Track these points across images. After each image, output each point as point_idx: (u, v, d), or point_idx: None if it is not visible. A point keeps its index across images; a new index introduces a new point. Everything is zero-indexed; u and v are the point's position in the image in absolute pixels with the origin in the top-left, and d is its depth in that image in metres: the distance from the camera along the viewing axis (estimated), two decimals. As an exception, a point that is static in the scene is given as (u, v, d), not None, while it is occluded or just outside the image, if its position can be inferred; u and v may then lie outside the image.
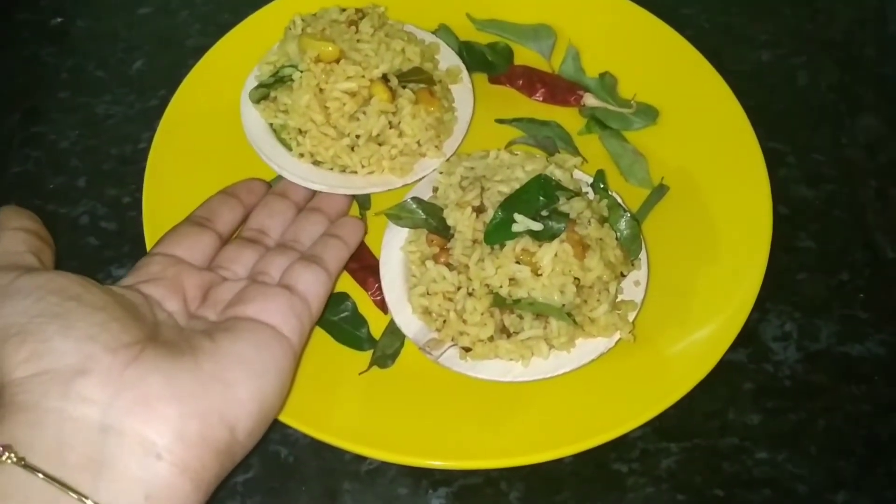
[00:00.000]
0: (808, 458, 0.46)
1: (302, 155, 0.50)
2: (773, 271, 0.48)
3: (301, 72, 0.49)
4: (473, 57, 0.57)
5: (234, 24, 0.58)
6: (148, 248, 0.48)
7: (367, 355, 0.46)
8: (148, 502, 0.32)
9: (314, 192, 0.50)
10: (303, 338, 0.41)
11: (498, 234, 0.43)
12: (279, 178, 0.51)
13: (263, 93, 0.51)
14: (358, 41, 0.49)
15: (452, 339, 0.44)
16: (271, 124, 0.52)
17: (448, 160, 0.50)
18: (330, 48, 0.48)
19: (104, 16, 0.64)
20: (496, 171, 0.46)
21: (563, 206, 0.44)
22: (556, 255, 0.42)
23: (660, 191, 0.52)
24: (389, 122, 0.49)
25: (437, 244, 0.45)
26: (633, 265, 0.46)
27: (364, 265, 0.49)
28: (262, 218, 0.48)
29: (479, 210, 0.44)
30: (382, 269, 0.47)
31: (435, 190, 0.48)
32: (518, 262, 0.43)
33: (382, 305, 0.48)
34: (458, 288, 0.44)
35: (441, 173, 0.48)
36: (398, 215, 0.47)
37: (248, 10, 0.59)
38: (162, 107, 0.55)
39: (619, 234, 0.46)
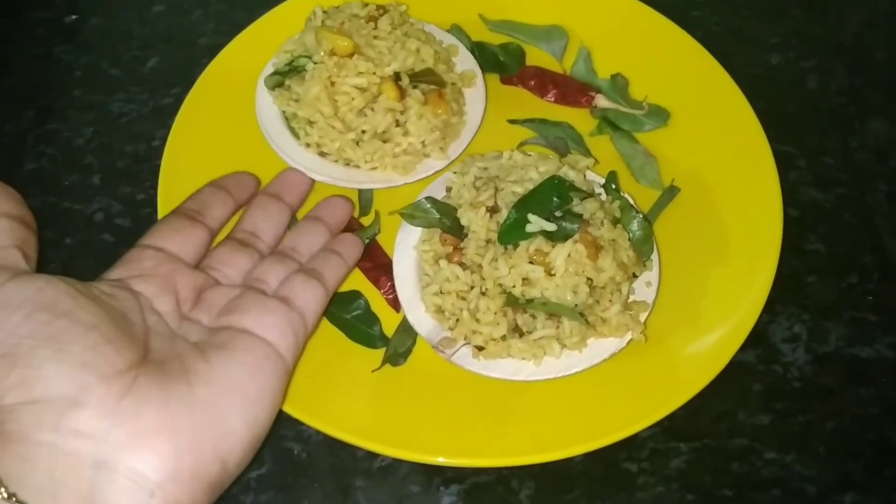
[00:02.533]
0: (817, 459, 0.46)
1: (308, 145, 0.51)
2: (782, 274, 0.49)
3: (314, 63, 0.49)
4: (485, 57, 0.58)
5: (248, 22, 0.58)
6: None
7: (379, 353, 0.47)
8: None
9: (307, 195, 0.50)
10: (297, 356, 0.40)
11: (512, 234, 0.43)
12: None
13: (278, 80, 0.52)
14: (374, 38, 0.50)
15: (465, 338, 0.45)
16: (284, 111, 0.52)
17: (462, 160, 0.50)
18: (344, 42, 0.49)
19: (118, 14, 0.64)
20: (510, 172, 0.47)
21: (577, 206, 0.44)
22: (569, 255, 0.43)
23: (670, 192, 0.52)
24: (396, 121, 0.50)
25: (451, 244, 0.46)
26: (644, 266, 0.47)
27: (377, 264, 0.49)
28: (256, 220, 0.47)
29: (493, 210, 0.45)
30: (396, 268, 0.47)
31: (448, 190, 0.49)
32: (531, 262, 0.43)
33: (395, 304, 0.48)
34: (472, 287, 0.44)
35: (455, 173, 0.48)
36: (412, 214, 0.47)
37: (261, 9, 0.59)
38: (175, 105, 0.55)
39: (631, 234, 0.46)
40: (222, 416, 0.34)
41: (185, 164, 0.53)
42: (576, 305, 0.43)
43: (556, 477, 0.45)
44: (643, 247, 0.46)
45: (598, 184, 0.49)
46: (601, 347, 0.45)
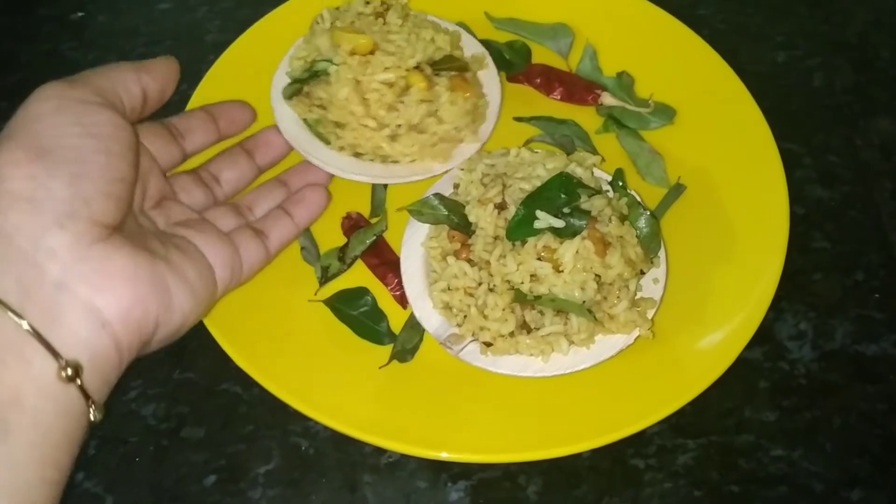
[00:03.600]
0: (824, 455, 0.46)
1: (342, 148, 0.51)
2: (788, 271, 0.49)
3: (337, 65, 0.49)
4: (491, 55, 0.57)
5: (254, 20, 0.58)
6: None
7: (386, 349, 0.47)
8: (90, 364, 0.34)
9: (280, 159, 0.51)
10: (224, 292, 0.43)
11: (520, 230, 0.43)
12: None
13: (296, 88, 0.51)
14: (388, 32, 0.50)
15: (473, 335, 0.45)
16: (305, 119, 0.52)
17: (468, 157, 0.50)
18: (364, 40, 0.49)
19: (124, 11, 0.64)
20: (517, 169, 0.47)
21: (585, 203, 0.44)
22: (577, 252, 0.43)
23: (677, 190, 0.52)
24: (428, 110, 0.50)
25: (459, 240, 0.46)
26: (652, 263, 0.47)
27: (384, 261, 0.50)
28: (222, 168, 0.49)
29: (501, 207, 0.45)
30: (403, 265, 0.47)
31: (456, 186, 0.49)
32: (539, 259, 0.43)
33: (402, 300, 0.48)
34: (479, 284, 0.44)
35: (462, 170, 0.49)
36: (420, 211, 0.47)
37: (267, 7, 0.59)
38: (182, 102, 0.55)
39: (638, 231, 0.46)
40: (171, 295, 0.38)
41: (193, 159, 0.52)
42: (584, 302, 0.43)
43: (563, 473, 0.45)
44: (650, 244, 0.46)
45: (606, 181, 0.49)
46: (609, 344, 0.45)
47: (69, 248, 0.34)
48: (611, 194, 0.47)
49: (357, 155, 0.51)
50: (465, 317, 0.45)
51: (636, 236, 0.46)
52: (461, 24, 0.58)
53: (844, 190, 0.56)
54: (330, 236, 0.51)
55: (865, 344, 0.50)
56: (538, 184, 0.45)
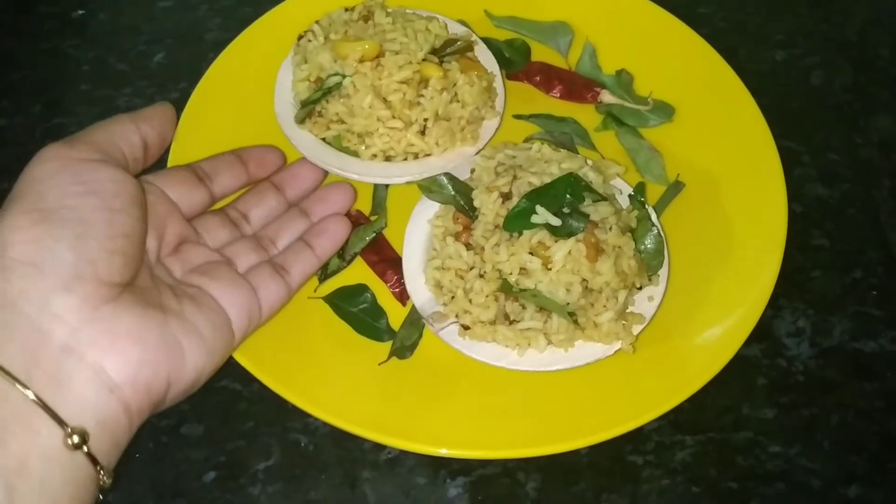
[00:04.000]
0: (822, 452, 0.46)
1: (374, 156, 0.50)
2: (787, 268, 0.49)
3: (350, 76, 0.49)
4: (491, 53, 0.58)
5: (254, 18, 0.58)
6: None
7: (386, 346, 0.47)
8: (98, 428, 0.34)
9: (311, 192, 0.50)
10: (242, 339, 0.42)
11: (517, 221, 0.44)
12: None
13: (309, 110, 0.50)
14: (384, 33, 0.50)
15: (456, 316, 0.45)
16: (324, 139, 0.51)
17: (492, 146, 0.50)
18: (369, 46, 0.48)
19: (125, 9, 0.65)
20: (533, 164, 0.47)
21: (588, 207, 0.44)
22: (569, 252, 0.43)
23: (675, 187, 0.52)
24: (449, 97, 0.50)
25: (462, 223, 0.47)
26: (650, 280, 0.46)
27: (383, 258, 0.50)
28: (251, 205, 0.48)
29: (506, 197, 0.45)
30: (408, 237, 0.48)
31: (472, 171, 0.49)
32: (531, 253, 0.43)
33: (401, 297, 0.49)
34: (472, 268, 0.45)
35: (482, 156, 0.49)
36: (430, 188, 0.48)
37: (268, 5, 0.59)
38: (182, 100, 0.55)
39: (643, 247, 0.46)
40: (182, 352, 0.37)
41: (192, 158, 0.52)
42: (567, 304, 0.43)
43: (562, 469, 0.45)
44: (652, 261, 0.46)
45: (620, 191, 0.48)
46: (587, 351, 0.45)
47: (76, 311, 0.34)
48: (624, 205, 0.47)
49: (388, 158, 0.50)
50: (453, 298, 0.45)
51: (638, 250, 0.46)
52: (461, 22, 0.58)
53: (843, 188, 0.56)
54: (330, 233, 0.51)
55: (863, 341, 0.50)
56: (548, 180, 0.45)
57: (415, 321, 0.47)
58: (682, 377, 0.45)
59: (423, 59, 0.49)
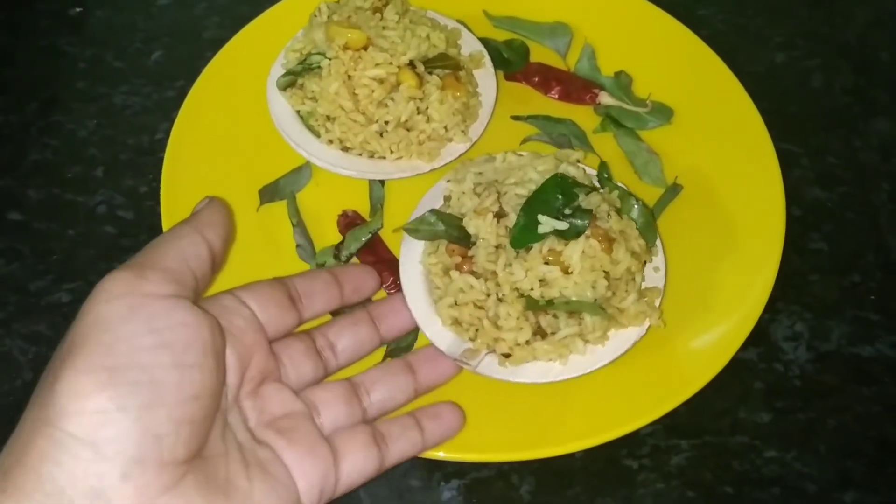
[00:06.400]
0: (818, 457, 0.46)
1: (331, 141, 0.51)
2: (784, 272, 0.49)
3: (329, 59, 0.49)
4: (490, 54, 0.57)
5: (252, 16, 0.58)
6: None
7: (382, 347, 0.47)
8: None
9: (405, 332, 0.46)
10: None
11: (524, 237, 0.43)
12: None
13: (290, 80, 0.51)
14: (384, 28, 0.50)
15: (488, 347, 0.44)
16: (298, 111, 0.52)
17: (454, 167, 0.49)
18: (357, 35, 0.49)
19: (123, 7, 0.64)
20: (508, 174, 0.46)
21: (584, 202, 0.44)
22: (583, 251, 0.42)
23: (673, 190, 0.52)
24: (417, 108, 0.50)
25: (459, 253, 0.45)
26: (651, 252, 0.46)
27: (379, 258, 0.49)
28: (343, 334, 0.43)
29: (500, 215, 0.44)
30: (405, 286, 0.46)
31: (447, 199, 0.48)
32: (547, 263, 0.42)
33: (397, 299, 0.48)
34: (488, 295, 0.44)
35: (449, 181, 0.47)
36: (416, 228, 0.46)
37: (265, 3, 0.59)
38: (179, 98, 0.55)
39: (635, 222, 0.46)
40: None
41: (189, 157, 0.53)
42: (595, 300, 0.43)
43: (556, 473, 0.45)
44: (646, 233, 0.46)
45: (593, 176, 0.48)
46: (622, 338, 0.44)
47: (130, 502, 0.29)
48: (602, 190, 0.47)
49: (345, 149, 0.51)
50: (478, 330, 0.44)
51: (636, 227, 0.45)
52: (459, 22, 0.58)
53: (842, 191, 0.56)
54: (326, 234, 0.51)
55: (861, 346, 0.50)
56: (533, 187, 0.44)
57: (410, 323, 0.47)
58: (678, 381, 0.45)
59: (408, 65, 0.49)
